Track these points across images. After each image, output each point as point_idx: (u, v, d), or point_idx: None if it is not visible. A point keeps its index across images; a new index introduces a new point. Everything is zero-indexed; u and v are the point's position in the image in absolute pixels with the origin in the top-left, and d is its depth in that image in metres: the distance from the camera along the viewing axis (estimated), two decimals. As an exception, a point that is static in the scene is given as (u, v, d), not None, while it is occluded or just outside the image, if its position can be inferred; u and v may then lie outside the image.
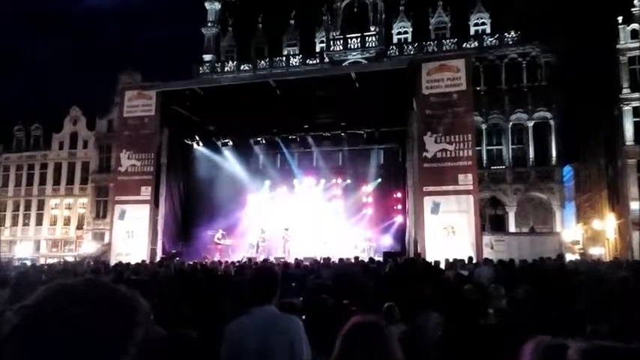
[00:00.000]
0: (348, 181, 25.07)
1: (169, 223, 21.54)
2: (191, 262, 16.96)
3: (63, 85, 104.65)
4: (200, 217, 23.48)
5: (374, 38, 35.31)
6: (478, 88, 29.63)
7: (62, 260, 26.38)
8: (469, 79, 17.73)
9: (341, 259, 15.83)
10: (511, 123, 31.88)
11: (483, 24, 34.27)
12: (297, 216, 23.47)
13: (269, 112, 21.28)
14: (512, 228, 30.28)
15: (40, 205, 41.56)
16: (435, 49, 33.30)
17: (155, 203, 20.21)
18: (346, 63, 33.84)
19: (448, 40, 33.91)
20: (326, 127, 23.17)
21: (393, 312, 5.30)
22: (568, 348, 1.13)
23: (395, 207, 23.32)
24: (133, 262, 15.67)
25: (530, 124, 31.49)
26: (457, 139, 16.82)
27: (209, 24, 40.20)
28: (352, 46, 35.51)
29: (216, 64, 39.01)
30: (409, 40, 35.44)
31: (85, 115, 41.27)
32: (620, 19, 29.44)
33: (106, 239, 31.19)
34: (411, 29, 35.58)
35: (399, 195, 22.80)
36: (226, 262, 16.96)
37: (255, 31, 38.67)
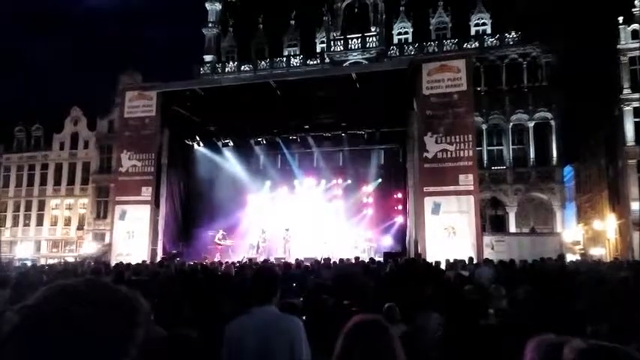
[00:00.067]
0: (349, 181, 25.07)
1: (170, 224, 21.54)
2: (191, 263, 16.97)
3: (63, 85, 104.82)
4: (200, 217, 23.49)
5: (374, 39, 35.31)
6: (479, 89, 29.64)
7: (63, 261, 26.39)
8: (470, 80, 17.72)
9: (341, 260, 15.84)
10: (511, 123, 31.89)
11: (484, 24, 34.26)
12: (297, 216, 23.47)
13: (269, 112, 21.28)
14: (512, 228, 30.27)
15: (41, 206, 41.58)
16: (436, 50, 33.31)
17: (156, 204, 20.22)
18: (347, 63, 33.85)
19: (449, 41, 33.91)
20: (326, 128, 23.17)
21: (394, 312, 5.30)
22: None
23: (395, 207, 23.32)
24: (133, 263, 15.67)
25: (531, 124, 31.49)
26: (458, 140, 16.81)
27: (210, 24, 40.22)
28: (353, 47, 35.51)
29: (216, 65, 39.03)
30: (410, 40, 35.45)
31: (86, 115, 41.29)
32: (620, 19, 29.43)
33: (107, 240, 31.21)
34: (411, 29, 35.59)
35: (400, 195, 22.80)
36: (227, 262, 16.95)
37: (256, 32, 38.69)
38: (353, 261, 15.37)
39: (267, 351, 3.00)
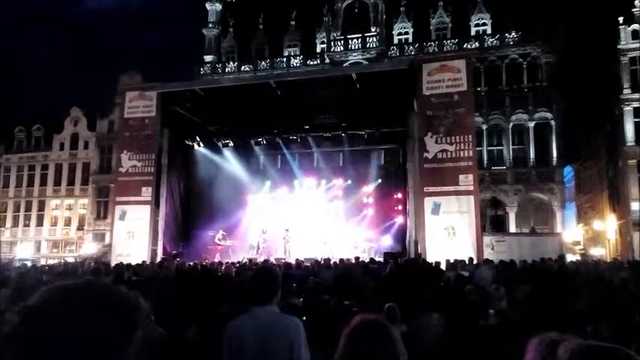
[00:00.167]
0: (349, 181, 25.07)
1: (170, 224, 21.53)
2: (191, 263, 16.98)
3: (63, 85, 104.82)
4: (200, 217, 23.48)
5: (375, 39, 35.31)
6: (479, 89, 29.66)
7: (63, 261, 26.37)
8: (470, 80, 17.71)
9: (341, 260, 15.84)
10: (512, 123, 31.89)
11: (484, 24, 34.26)
12: (297, 217, 23.48)
13: (270, 112, 21.28)
14: (512, 229, 30.27)
15: (41, 206, 41.59)
16: (436, 50, 33.31)
17: (156, 204, 20.21)
18: (347, 64, 33.85)
19: (449, 41, 33.91)
20: (326, 128, 23.16)
21: (394, 312, 5.30)
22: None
23: (395, 207, 23.31)
24: (133, 263, 15.68)
25: (531, 124, 31.49)
26: (458, 140, 16.80)
27: (210, 25, 40.22)
28: (353, 47, 35.51)
29: (216, 65, 39.02)
30: (410, 40, 35.45)
31: (86, 115, 41.31)
32: (620, 19, 29.44)
33: (107, 240, 31.22)
34: (411, 30, 35.59)
35: (400, 195, 22.78)
36: (227, 262, 16.96)
37: (256, 32, 38.68)
38: (353, 261, 15.38)
39: (267, 350, 3.01)
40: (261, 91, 20.21)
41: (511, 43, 32.66)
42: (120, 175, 20.95)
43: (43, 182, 41.63)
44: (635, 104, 28.97)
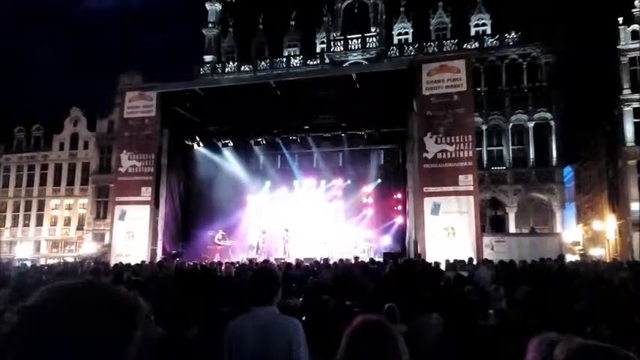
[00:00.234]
0: (349, 181, 25.07)
1: (169, 224, 21.53)
2: (191, 263, 16.97)
3: (63, 85, 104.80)
4: (200, 217, 23.48)
5: (374, 39, 35.31)
6: (478, 89, 29.65)
7: (62, 261, 26.37)
8: (469, 80, 17.72)
9: (341, 260, 15.85)
10: (511, 124, 31.90)
11: (484, 25, 34.26)
12: (297, 217, 23.48)
13: (269, 112, 21.28)
14: (512, 229, 30.27)
15: (41, 206, 41.58)
16: (436, 50, 33.31)
17: (155, 204, 20.22)
18: (347, 64, 33.85)
19: (448, 41, 33.91)
20: (326, 128, 23.17)
21: (394, 313, 5.30)
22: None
23: (395, 208, 23.31)
24: (133, 263, 15.68)
25: (531, 124, 31.49)
26: (457, 140, 16.81)
27: (210, 25, 40.21)
28: (353, 47, 35.51)
29: (216, 65, 39.02)
30: (409, 40, 35.45)
31: (86, 115, 41.31)
32: (620, 19, 29.45)
33: (107, 240, 31.22)
34: (411, 30, 35.59)
35: (399, 196, 22.79)
36: (226, 262, 16.95)
37: (256, 32, 38.68)
38: (352, 261, 15.38)
39: (267, 350, 3.02)
40: (260, 91, 20.21)
41: (511, 43, 32.67)
42: (119, 175, 20.95)
43: (43, 182, 41.62)
44: (635, 104, 28.98)
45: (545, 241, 24.04)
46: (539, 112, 31.35)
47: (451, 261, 13.42)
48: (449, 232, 16.18)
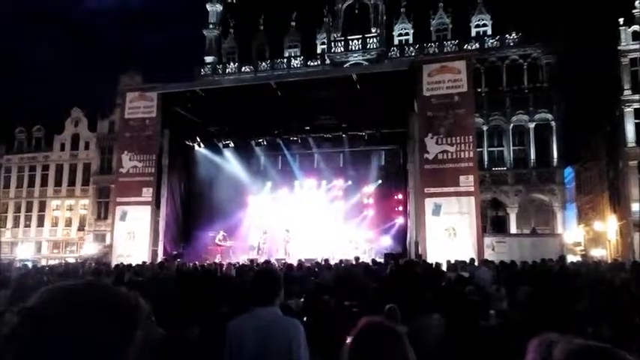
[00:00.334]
0: (349, 182, 25.07)
1: (170, 225, 21.54)
2: (192, 264, 16.97)
3: (64, 86, 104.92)
4: (201, 218, 23.48)
5: (375, 40, 35.32)
6: (479, 90, 29.65)
7: (64, 262, 26.38)
8: (470, 81, 17.70)
9: (341, 261, 15.84)
10: (512, 124, 31.89)
11: (484, 25, 34.26)
12: (298, 217, 23.48)
13: (270, 113, 21.29)
14: (513, 229, 30.25)
15: (42, 207, 41.62)
16: (436, 51, 33.31)
17: (156, 204, 20.22)
18: (347, 64, 33.87)
19: (449, 42, 33.90)
20: (327, 129, 23.17)
21: (395, 313, 5.30)
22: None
23: (396, 208, 23.30)
24: (134, 264, 15.69)
25: (532, 125, 31.49)
26: (458, 141, 16.80)
27: (210, 25, 40.24)
28: (353, 48, 35.52)
29: (217, 66, 39.05)
30: (410, 41, 35.45)
31: (87, 116, 41.36)
32: (621, 20, 29.45)
33: (108, 241, 31.21)
34: (412, 31, 35.59)
35: (400, 196, 22.78)
36: (227, 263, 16.94)
37: (257, 33, 38.71)
38: (353, 262, 15.37)
39: (266, 350, 3.03)
40: (261, 92, 20.21)
41: (511, 44, 32.67)
42: (120, 175, 20.96)
43: (44, 183, 41.67)
44: (636, 105, 28.97)
45: (546, 241, 24.02)
46: (540, 112, 31.34)
47: (452, 261, 13.42)
48: (450, 233, 16.17)
